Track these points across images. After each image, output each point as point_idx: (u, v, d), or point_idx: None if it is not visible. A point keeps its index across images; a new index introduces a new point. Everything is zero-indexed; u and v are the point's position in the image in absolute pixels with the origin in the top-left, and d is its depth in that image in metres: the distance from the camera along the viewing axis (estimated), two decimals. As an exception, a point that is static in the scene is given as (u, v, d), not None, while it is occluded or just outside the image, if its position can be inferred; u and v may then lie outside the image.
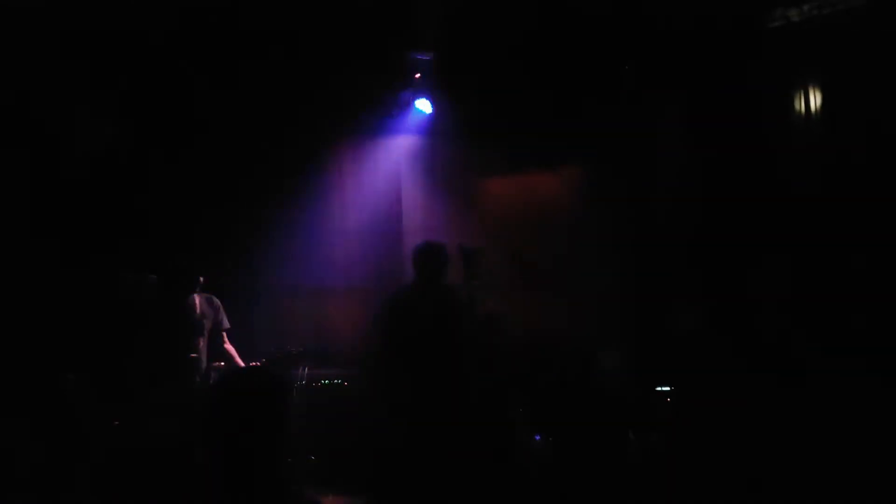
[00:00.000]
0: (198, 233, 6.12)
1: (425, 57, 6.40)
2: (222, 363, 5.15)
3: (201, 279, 5.04)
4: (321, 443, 5.63)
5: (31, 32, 5.18)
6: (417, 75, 6.53)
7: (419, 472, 4.30)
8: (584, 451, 5.42)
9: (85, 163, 5.69)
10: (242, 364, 5.15)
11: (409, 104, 6.72)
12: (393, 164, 6.99)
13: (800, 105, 6.01)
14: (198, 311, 5.05)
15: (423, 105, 6.70)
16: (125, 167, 5.92)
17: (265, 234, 6.49)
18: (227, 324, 5.19)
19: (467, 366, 4.63)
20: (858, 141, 5.50)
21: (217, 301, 5.19)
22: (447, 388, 4.46)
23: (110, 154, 5.78)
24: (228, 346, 5.21)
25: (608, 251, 6.73)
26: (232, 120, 6.18)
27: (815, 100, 5.90)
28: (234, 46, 5.83)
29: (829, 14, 5.45)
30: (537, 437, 5.31)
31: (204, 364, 5.06)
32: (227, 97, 6.07)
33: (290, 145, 6.56)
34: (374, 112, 6.79)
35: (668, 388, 5.92)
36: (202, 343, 5.04)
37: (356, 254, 6.87)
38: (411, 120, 6.85)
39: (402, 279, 6.58)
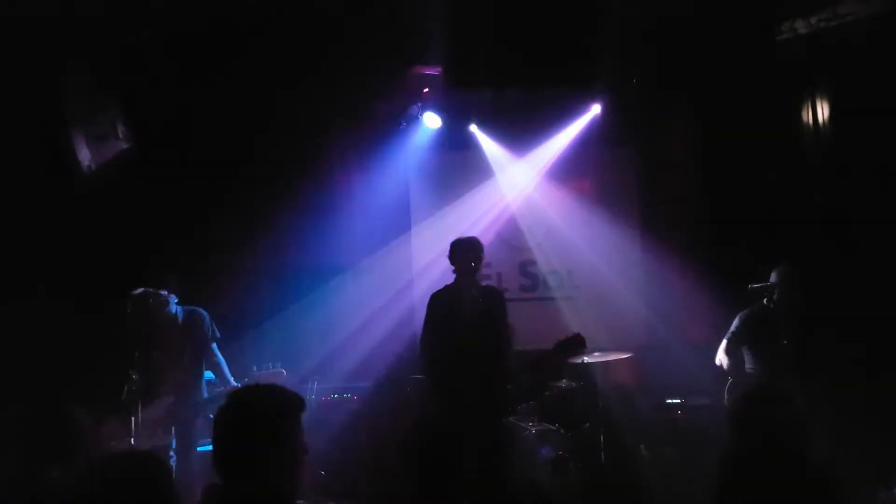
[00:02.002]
0: (202, 239, 6.15)
1: (433, 72, 6.41)
2: (213, 374, 5.09)
3: (165, 292, 4.92)
4: (330, 457, 5.62)
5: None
6: (426, 89, 6.54)
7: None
8: (593, 464, 5.39)
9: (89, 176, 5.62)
10: (229, 375, 5.06)
11: (417, 118, 6.74)
12: (402, 177, 6.99)
13: (808, 116, 6.03)
14: (181, 326, 4.98)
15: (431, 119, 6.71)
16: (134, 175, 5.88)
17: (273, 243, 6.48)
18: (216, 334, 5.11)
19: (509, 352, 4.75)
20: (866, 151, 5.51)
21: (202, 313, 5.08)
22: (492, 380, 4.56)
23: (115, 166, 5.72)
24: (218, 357, 5.11)
25: (618, 259, 6.72)
26: (236, 125, 6.19)
27: (823, 111, 5.91)
28: (239, 53, 5.84)
29: (837, 26, 5.46)
30: (542, 451, 5.27)
31: (193, 377, 5.02)
32: (225, 102, 6.08)
33: (296, 156, 6.56)
34: (382, 125, 6.81)
35: (679, 401, 5.91)
36: (187, 358, 4.97)
37: (362, 268, 6.86)
38: (419, 133, 6.86)
39: (411, 292, 6.65)
